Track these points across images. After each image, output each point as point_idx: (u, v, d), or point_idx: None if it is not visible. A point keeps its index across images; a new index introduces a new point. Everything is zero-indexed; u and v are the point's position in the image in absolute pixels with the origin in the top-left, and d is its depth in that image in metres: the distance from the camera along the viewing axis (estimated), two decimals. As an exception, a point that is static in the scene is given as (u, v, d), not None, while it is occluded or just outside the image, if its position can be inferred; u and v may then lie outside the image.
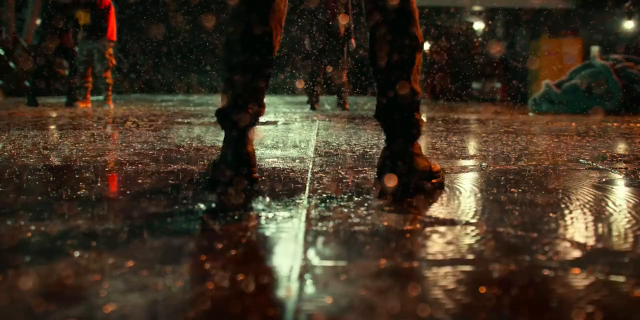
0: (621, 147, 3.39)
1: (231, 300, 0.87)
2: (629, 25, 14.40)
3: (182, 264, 1.07)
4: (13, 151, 2.76)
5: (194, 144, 3.16)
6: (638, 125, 5.37)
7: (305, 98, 9.55)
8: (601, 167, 2.44)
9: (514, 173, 2.22)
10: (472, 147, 3.35)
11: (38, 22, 12.09)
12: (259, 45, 1.76)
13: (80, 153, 2.70)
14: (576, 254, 1.15)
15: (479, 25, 15.87)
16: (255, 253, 1.18)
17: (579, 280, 0.98)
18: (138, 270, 1.01)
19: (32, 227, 1.30)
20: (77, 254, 1.11)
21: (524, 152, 2.95)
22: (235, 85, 1.81)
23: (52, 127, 4.48)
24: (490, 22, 15.93)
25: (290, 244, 1.20)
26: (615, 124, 5.39)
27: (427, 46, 14.37)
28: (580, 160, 2.65)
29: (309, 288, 0.93)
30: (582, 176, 2.18)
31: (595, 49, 13.67)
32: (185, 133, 3.94)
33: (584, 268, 1.04)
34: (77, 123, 4.83)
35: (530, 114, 7.78)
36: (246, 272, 1.01)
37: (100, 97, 9.21)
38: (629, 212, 1.53)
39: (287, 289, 0.93)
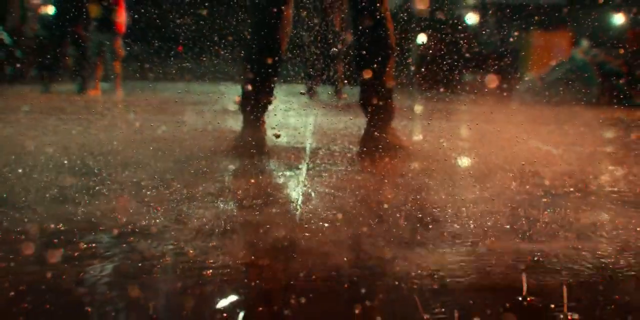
0: (572, 132, 3.99)
1: (258, 209, 1.48)
2: (618, 19, 14.99)
3: (222, 195, 1.68)
4: (75, 132, 3.34)
5: (209, 127, 3.74)
6: (607, 115, 5.96)
7: (303, 88, 10.13)
8: (543, 146, 3.04)
9: (469, 147, 2.83)
10: (442, 130, 3.93)
11: (48, 12, 12.58)
12: (271, 51, 2.35)
13: (124, 132, 3.29)
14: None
15: (471, 19, 16.38)
16: (272, 188, 1.79)
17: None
18: (198, 194, 1.62)
19: (128, 173, 1.92)
20: (162, 183, 1.72)
21: (484, 135, 3.54)
22: (252, 80, 2.40)
23: (83, 113, 5.04)
24: (481, 16, 16.43)
25: (294, 184, 1.81)
26: (587, 115, 5.98)
27: (423, 39, 14.88)
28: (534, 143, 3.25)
29: (308, 198, 1.54)
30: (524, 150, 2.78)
31: (583, 44, 14.25)
32: (200, 117, 4.53)
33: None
34: (100, 109, 5.41)
35: (513, 106, 8.37)
36: (267, 196, 1.62)
37: (107, 85, 9.75)
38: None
39: (295, 200, 1.54)
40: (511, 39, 14.92)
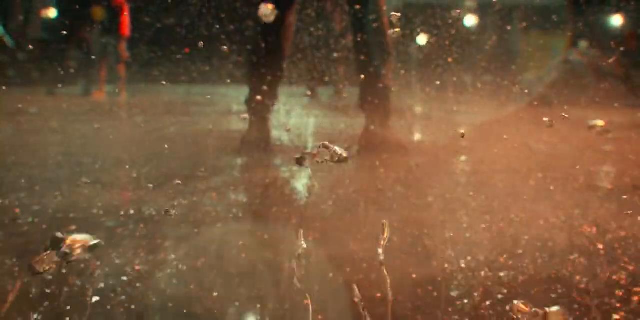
0: (565, 132, 4.13)
1: (265, 195, 1.64)
2: (616, 20, 15.12)
3: (235, 178, 1.84)
4: (84, 132, 3.49)
5: (217, 127, 3.89)
6: (605, 116, 6.08)
7: (303, 89, 10.29)
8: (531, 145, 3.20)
9: (462, 146, 2.99)
10: (437, 129, 4.08)
11: (50, 15, 12.72)
12: (275, 57, 2.51)
13: (131, 133, 3.45)
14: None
15: (469, 20, 16.51)
16: (279, 175, 1.95)
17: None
18: (221, 178, 1.78)
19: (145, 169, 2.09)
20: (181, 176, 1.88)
21: (476, 134, 3.68)
22: (258, 82, 2.57)
23: (89, 114, 5.19)
24: (480, 17, 16.55)
25: (300, 174, 1.98)
26: (584, 115, 6.11)
27: (424, 40, 15.03)
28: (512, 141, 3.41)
29: (310, 188, 1.70)
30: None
31: (581, 45, 14.36)
32: (206, 117, 4.68)
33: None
34: (106, 111, 5.56)
35: (508, 106, 8.50)
36: (276, 177, 1.79)
37: (111, 87, 9.89)
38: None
39: (302, 182, 1.72)
40: (507, 40, 15.05)
